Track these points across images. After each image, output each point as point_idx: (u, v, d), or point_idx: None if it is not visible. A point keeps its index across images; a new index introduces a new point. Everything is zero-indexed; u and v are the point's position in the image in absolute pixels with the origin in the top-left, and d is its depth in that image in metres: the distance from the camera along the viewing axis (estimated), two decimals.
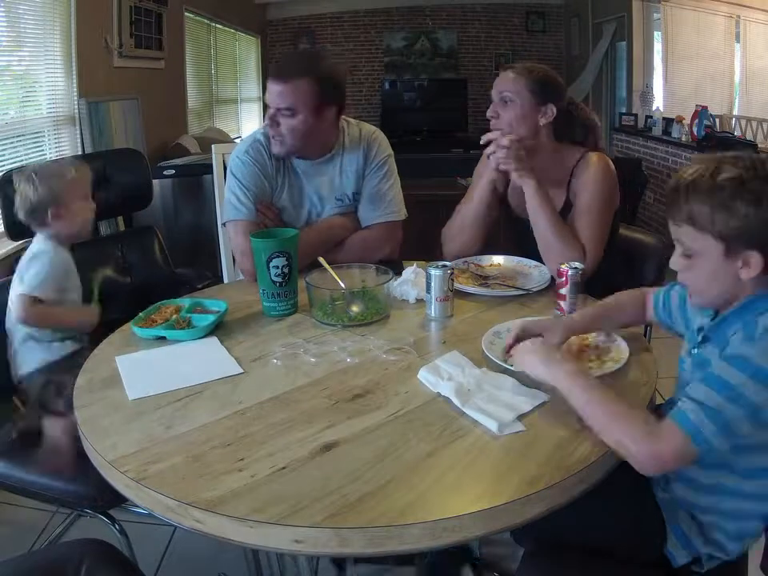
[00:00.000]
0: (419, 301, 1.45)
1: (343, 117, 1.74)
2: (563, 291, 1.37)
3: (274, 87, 1.57)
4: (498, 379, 1.09)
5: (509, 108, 1.57)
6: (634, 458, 0.88)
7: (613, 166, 1.61)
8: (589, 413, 0.93)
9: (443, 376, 1.10)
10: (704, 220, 0.91)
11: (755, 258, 0.90)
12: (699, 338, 1.03)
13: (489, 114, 1.61)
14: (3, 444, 1.49)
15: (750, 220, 0.89)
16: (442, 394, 1.06)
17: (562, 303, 1.37)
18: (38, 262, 1.51)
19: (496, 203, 1.70)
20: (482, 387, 1.07)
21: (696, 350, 1.04)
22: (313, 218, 1.75)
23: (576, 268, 1.35)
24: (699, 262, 0.95)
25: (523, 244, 1.66)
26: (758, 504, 1.01)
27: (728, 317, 0.97)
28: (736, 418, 0.85)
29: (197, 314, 1.40)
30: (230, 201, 1.68)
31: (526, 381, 1.07)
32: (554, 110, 1.58)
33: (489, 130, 1.60)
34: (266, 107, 1.63)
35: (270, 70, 1.59)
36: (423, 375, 1.12)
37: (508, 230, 1.80)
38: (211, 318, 1.37)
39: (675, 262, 1.00)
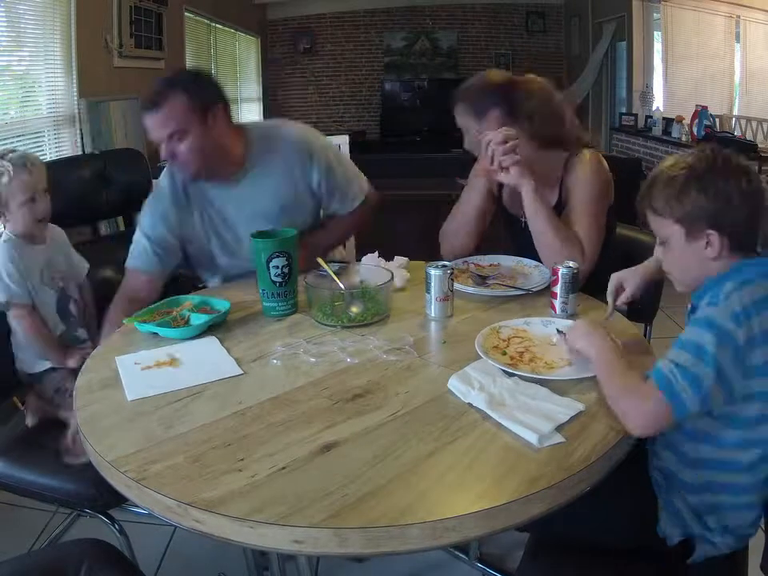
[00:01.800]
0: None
1: (243, 125, 1.67)
2: (555, 290, 1.37)
3: (151, 120, 1.47)
4: (531, 389, 1.06)
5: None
6: (625, 416, 0.95)
7: (605, 163, 1.60)
8: (604, 381, 1.02)
9: (474, 385, 1.07)
10: (662, 207, 1.06)
11: (714, 237, 1.02)
12: (689, 309, 1.11)
13: (467, 147, 1.61)
14: (3, 444, 1.49)
15: (701, 204, 1.02)
16: (473, 404, 1.03)
17: (554, 302, 1.37)
18: None
19: (491, 204, 1.70)
20: (516, 397, 1.04)
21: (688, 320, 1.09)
22: (244, 240, 1.54)
23: (570, 267, 1.35)
24: (670, 247, 1.09)
25: (518, 242, 1.66)
26: (751, 476, 1.02)
27: (704, 287, 1.05)
28: (704, 376, 0.92)
29: (200, 314, 1.39)
30: (133, 246, 1.63)
31: (558, 390, 1.06)
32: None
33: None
34: (159, 144, 1.54)
35: (142, 108, 1.50)
36: (453, 384, 1.08)
37: (505, 229, 1.80)
38: (205, 317, 1.36)
39: (657, 250, 1.14)
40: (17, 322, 1.55)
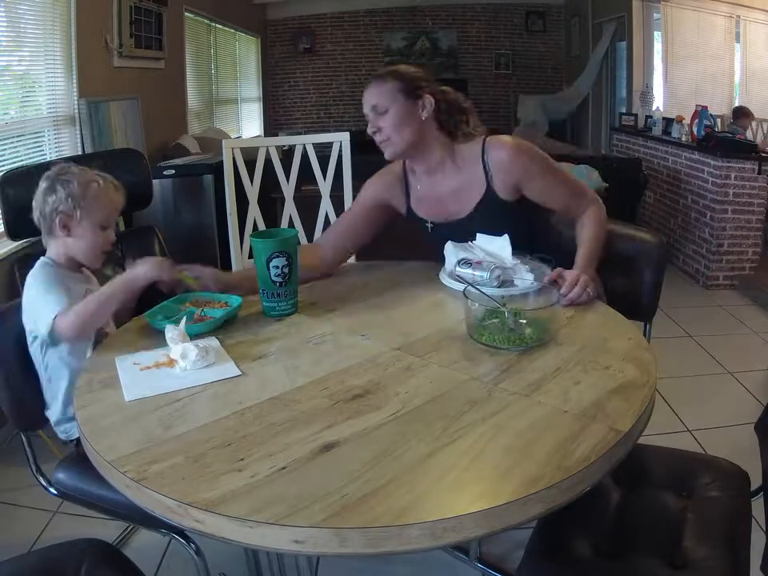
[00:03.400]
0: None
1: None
2: None
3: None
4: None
5: (386, 117, 1.52)
6: None
7: (517, 139, 1.59)
8: None
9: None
10: None
11: None
12: None
13: (369, 130, 1.55)
14: (70, 457, 1.44)
15: None
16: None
17: None
18: (32, 290, 1.34)
19: (381, 221, 1.73)
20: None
21: None
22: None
23: None
24: None
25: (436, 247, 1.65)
26: None
27: None
28: None
29: (212, 309, 1.40)
30: None
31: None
32: (431, 100, 1.54)
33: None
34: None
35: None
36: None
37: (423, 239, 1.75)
38: (220, 312, 1.37)
39: None
40: (65, 327, 1.29)
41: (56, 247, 1.42)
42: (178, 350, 1.19)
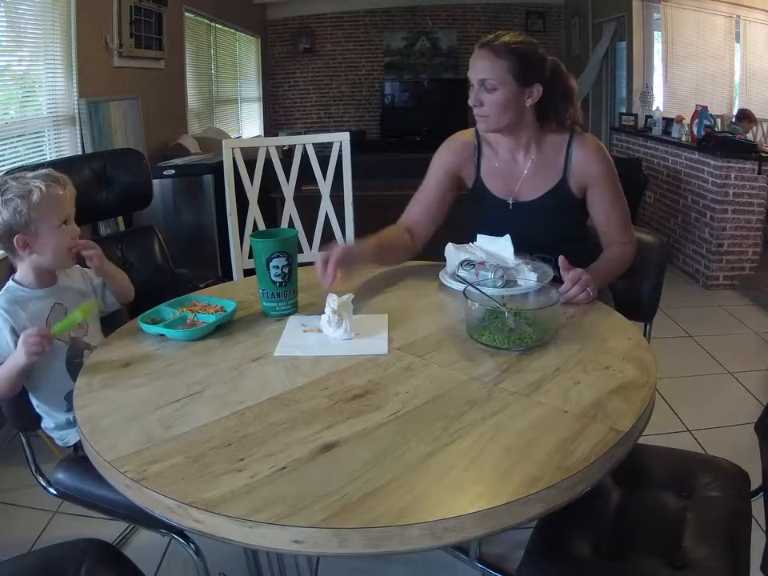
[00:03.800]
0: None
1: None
2: None
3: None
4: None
5: (492, 96, 1.50)
6: None
7: (601, 143, 1.63)
8: None
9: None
10: None
11: None
12: None
13: (470, 101, 1.53)
14: (69, 457, 1.45)
15: None
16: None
17: None
18: None
19: (454, 193, 1.72)
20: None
21: None
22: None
23: None
24: None
25: (503, 224, 1.62)
26: None
27: None
28: None
29: (206, 314, 1.40)
30: None
31: None
32: (540, 89, 1.53)
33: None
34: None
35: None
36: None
37: (489, 212, 1.72)
38: (212, 317, 1.37)
39: None
40: None
41: (22, 267, 1.39)
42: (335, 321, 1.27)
